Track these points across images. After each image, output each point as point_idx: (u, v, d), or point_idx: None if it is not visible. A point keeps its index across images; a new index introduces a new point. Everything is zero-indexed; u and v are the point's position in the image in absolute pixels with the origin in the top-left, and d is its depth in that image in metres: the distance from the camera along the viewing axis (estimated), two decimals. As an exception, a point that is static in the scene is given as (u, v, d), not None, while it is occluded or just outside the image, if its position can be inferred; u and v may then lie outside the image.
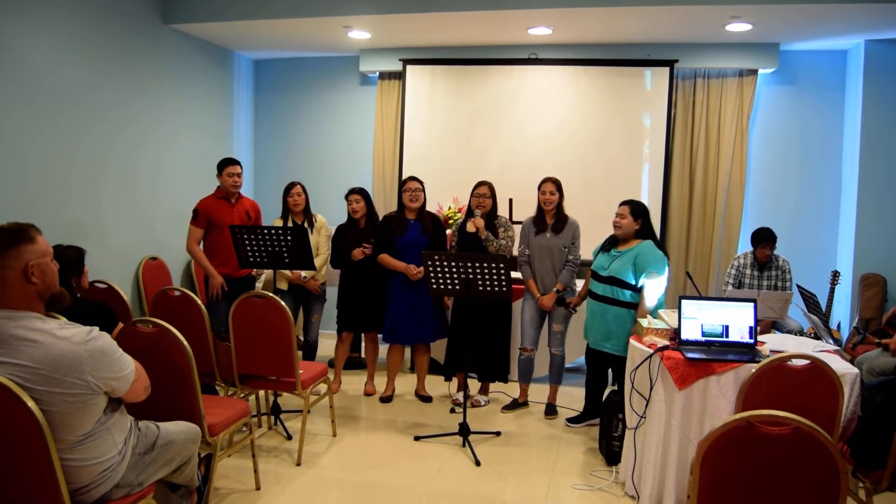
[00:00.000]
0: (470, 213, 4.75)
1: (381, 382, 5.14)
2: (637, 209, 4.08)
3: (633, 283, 4.00)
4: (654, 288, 3.95)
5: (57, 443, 2.07)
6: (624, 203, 4.14)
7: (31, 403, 2.00)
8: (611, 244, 4.17)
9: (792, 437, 2.03)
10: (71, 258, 3.09)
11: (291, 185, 5.02)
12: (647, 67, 6.03)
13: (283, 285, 4.94)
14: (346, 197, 4.96)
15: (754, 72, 5.95)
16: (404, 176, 6.30)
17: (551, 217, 4.64)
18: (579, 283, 4.77)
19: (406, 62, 6.41)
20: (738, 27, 5.31)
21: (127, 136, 5.28)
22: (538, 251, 4.63)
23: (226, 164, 4.74)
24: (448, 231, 5.17)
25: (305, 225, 4.96)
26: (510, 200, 5.70)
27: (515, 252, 4.88)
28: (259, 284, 5.42)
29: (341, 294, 5.02)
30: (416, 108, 6.46)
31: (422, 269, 4.64)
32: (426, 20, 5.42)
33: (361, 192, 4.96)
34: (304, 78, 6.99)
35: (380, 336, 5.06)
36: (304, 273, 4.89)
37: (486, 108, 6.33)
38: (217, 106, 6.49)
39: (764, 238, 4.98)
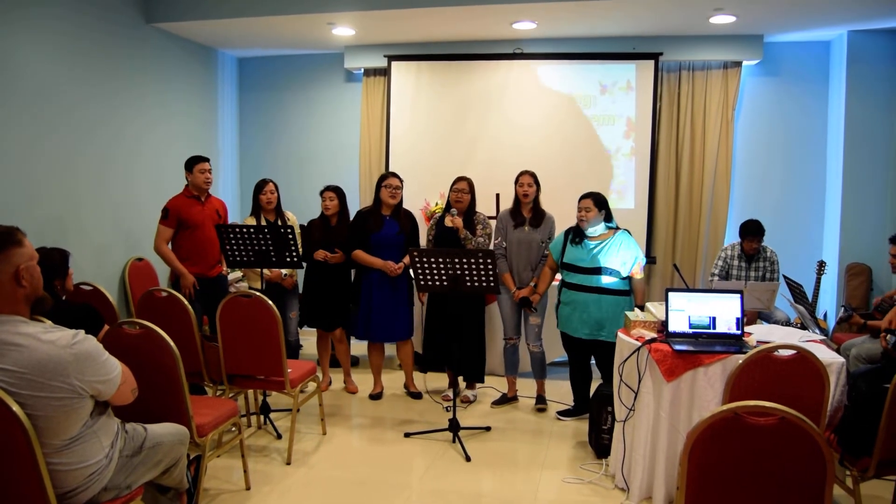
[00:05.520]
0: (449, 208, 4.75)
1: (365, 380, 5.14)
2: (599, 200, 4.20)
3: (617, 269, 4.12)
4: (641, 270, 4.18)
5: (43, 447, 2.06)
6: (586, 196, 4.22)
7: (16, 408, 1.99)
8: (578, 237, 4.24)
9: (778, 427, 2.04)
10: (55, 260, 3.05)
11: (264, 183, 4.98)
12: (632, 60, 6.04)
13: (257, 284, 4.90)
14: (321, 193, 4.94)
15: (738, 64, 5.97)
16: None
17: (529, 211, 4.65)
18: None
19: (391, 58, 6.39)
20: (722, 19, 5.33)
21: (110, 136, 5.23)
22: (516, 245, 4.64)
23: (196, 161, 4.67)
24: (427, 225, 5.16)
25: (279, 222, 4.93)
26: (497, 195, 5.71)
27: (491, 246, 4.87)
28: (243, 284, 5.39)
29: (305, 289, 4.99)
30: (402, 105, 6.44)
31: (401, 265, 4.64)
32: (410, 16, 5.40)
33: (336, 190, 4.93)
34: (289, 75, 6.95)
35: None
36: (284, 271, 4.86)
37: (471, 103, 6.31)
38: (201, 105, 6.45)
39: (752, 231, 5.01)
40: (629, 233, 4.26)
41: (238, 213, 6.86)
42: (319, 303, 4.90)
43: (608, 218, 4.24)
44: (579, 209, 4.20)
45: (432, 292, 4.75)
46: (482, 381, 4.96)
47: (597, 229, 4.19)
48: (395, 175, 4.81)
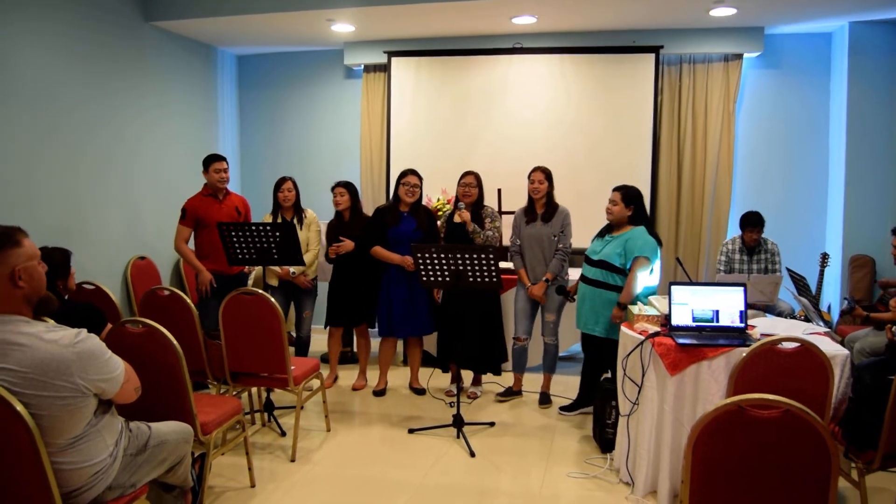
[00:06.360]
0: (458, 203, 4.74)
1: (372, 377, 5.13)
2: (629, 195, 4.08)
3: (623, 267, 4.02)
4: (640, 273, 3.94)
5: (47, 446, 2.06)
6: (616, 189, 4.14)
7: (19, 407, 1.99)
8: (606, 230, 4.21)
9: (782, 420, 2.03)
10: (57, 260, 3.06)
11: (283, 181, 4.99)
12: (632, 54, 6.01)
13: (274, 282, 4.92)
14: (332, 189, 4.95)
15: (739, 56, 5.94)
16: (392, 169, 6.32)
17: (541, 206, 4.63)
18: (573, 273, 4.76)
19: (391, 54, 6.37)
20: (723, 11, 5.30)
21: (110, 136, 5.22)
22: (528, 241, 4.63)
23: (212, 160, 4.73)
24: (438, 223, 5.15)
25: (295, 221, 4.94)
26: (499, 191, 5.69)
27: (507, 242, 4.86)
28: (250, 281, 5.40)
29: (330, 288, 5.00)
30: (403, 101, 6.43)
31: None
32: (410, 12, 5.38)
33: (347, 185, 4.95)
34: (289, 73, 6.94)
35: (372, 330, 5.05)
36: (292, 269, 4.88)
37: (472, 98, 6.30)
38: (201, 103, 6.43)
39: (751, 222, 5.01)
40: (647, 230, 4.06)
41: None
42: (345, 300, 4.91)
43: (638, 215, 4.09)
44: (609, 200, 4.13)
45: (434, 288, 4.74)
46: (498, 373, 4.91)
47: (620, 224, 4.10)
48: (414, 173, 4.80)
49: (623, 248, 4.01)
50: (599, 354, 4.35)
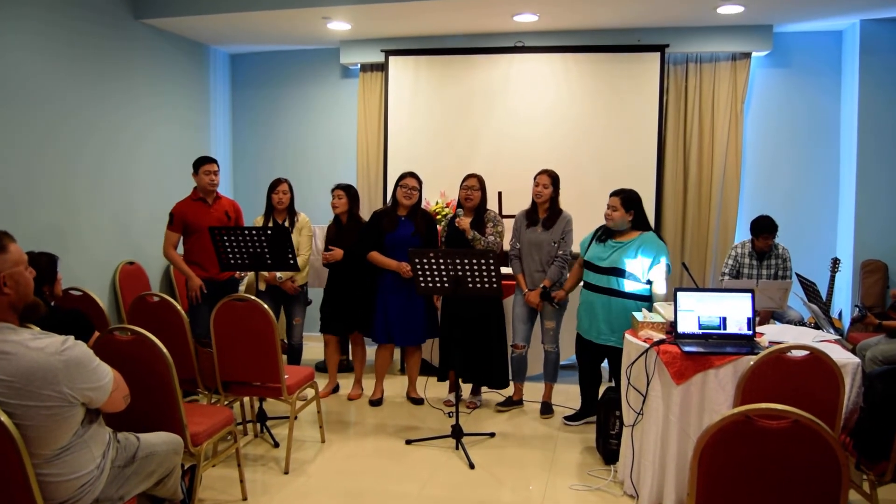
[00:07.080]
0: (459, 208, 4.67)
1: (368, 386, 5.06)
2: (628, 199, 4.02)
3: (636, 274, 3.94)
4: (662, 278, 3.92)
5: (32, 458, 2.04)
6: (614, 194, 4.07)
7: (4, 418, 1.98)
8: (605, 235, 4.11)
9: (791, 431, 2.00)
10: (42, 265, 3.00)
11: (278, 182, 4.93)
12: (637, 53, 5.92)
13: (261, 286, 4.85)
14: (332, 191, 4.89)
15: (748, 55, 5.85)
16: (389, 171, 6.24)
17: (544, 211, 4.56)
18: None
19: (388, 53, 6.29)
20: (730, 9, 5.23)
21: (99, 137, 5.15)
22: (527, 246, 4.56)
23: (202, 162, 4.66)
24: (439, 227, 5.08)
25: (287, 224, 4.87)
26: (499, 193, 5.63)
27: (507, 246, 4.78)
28: (242, 287, 5.33)
29: (325, 295, 4.93)
30: (400, 101, 6.34)
31: None
32: (408, 9, 5.31)
33: (346, 188, 4.88)
34: (283, 72, 6.86)
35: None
36: (279, 274, 4.80)
37: (472, 99, 6.21)
38: (193, 103, 6.35)
39: (766, 228, 4.91)
40: (656, 234, 4.07)
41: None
42: (340, 307, 4.84)
43: (639, 221, 4.04)
44: (607, 206, 4.07)
45: (432, 294, 4.67)
46: (505, 386, 4.80)
47: (623, 229, 4.04)
48: (413, 175, 4.71)
49: (639, 256, 3.93)
50: (597, 362, 4.29)
